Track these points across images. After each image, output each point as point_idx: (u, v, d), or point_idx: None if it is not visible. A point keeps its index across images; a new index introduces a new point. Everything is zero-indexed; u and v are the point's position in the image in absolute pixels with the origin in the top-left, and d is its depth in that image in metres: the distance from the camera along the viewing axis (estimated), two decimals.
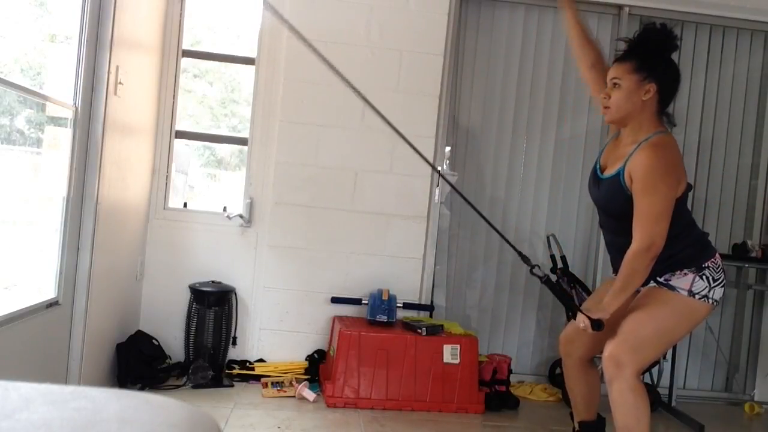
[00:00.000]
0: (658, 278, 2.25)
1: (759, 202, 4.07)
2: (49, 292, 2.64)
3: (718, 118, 4.07)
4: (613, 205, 2.27)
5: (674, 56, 2.31)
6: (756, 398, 3.98)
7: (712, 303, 2.21)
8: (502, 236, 2.31)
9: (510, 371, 3.53)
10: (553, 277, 2.31)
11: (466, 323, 3.86)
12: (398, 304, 3.55)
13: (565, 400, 3.54)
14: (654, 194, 2.12)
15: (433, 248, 3.83)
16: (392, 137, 2.21)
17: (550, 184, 4.00)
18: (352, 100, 2.13)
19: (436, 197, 3.80)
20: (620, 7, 3.91)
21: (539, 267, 2.25)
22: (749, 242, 3.84)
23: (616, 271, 2.46)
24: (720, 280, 2.23)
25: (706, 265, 2.22)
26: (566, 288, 3.41)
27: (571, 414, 2.59)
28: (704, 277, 2.20)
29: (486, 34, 3.95)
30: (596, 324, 2.11)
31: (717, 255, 2.27)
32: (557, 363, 3.89)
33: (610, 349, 2.14)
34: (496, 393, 3.41)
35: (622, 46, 2.30)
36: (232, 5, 3.94)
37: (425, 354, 3.27)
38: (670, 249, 2.18)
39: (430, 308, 3.78)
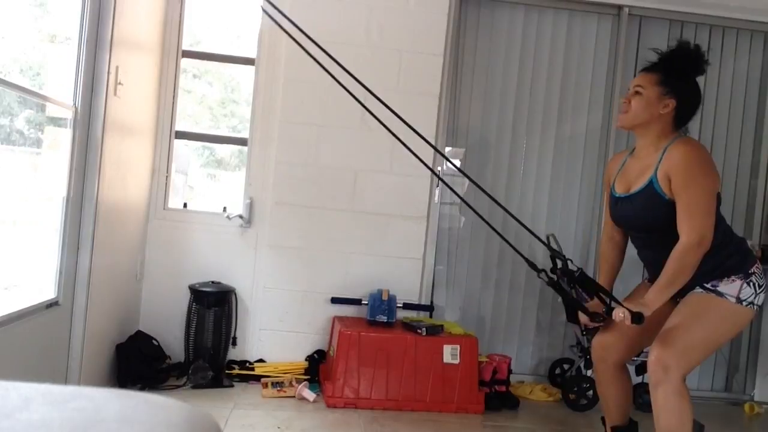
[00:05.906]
0: (705, 284, 2.24)
1: (759, 202, 4.06)
2: (49, 292, 2.64)
3: (718, 118, 4.07)
4: (650, 215, 2.24)
5: None
6: (756, 398, 3.98)
7: (756, 308, 2.23)
8: (516, 250, 2.33)
9: (510, 371, 3.53)
10: (554, 277, 2.33)
11: (466, 323, 3.86)
12: (398, 305, 3.55)
13: (566, 400, 3.55)
14: (698, 186, 2.13)
15: (433, 248, 3.83)
16: (392, 137, 2.21)
17: (550, 184, 4.00)
18: (352, 99, 2.12)
19: (436, 197, 3.81)
20: (620, 7, 3.91)
21: (545, 272, 2.26)
22: (749, 242, 3.83)
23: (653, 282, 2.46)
24: (764, 286, 2.24)
25: (752, 271, 2.24)
26: (566, 288, 3.41)
27: (603, 419, 2.56)
28: (751, 283, 2.21)
29: (486, 34, 3.95)
30: (636, 317, 2.06)
31: (757, 260, 2.29)
32: (557, 363, 3.89)
33: (656, 353, 2.13)
34: (496, 393, 3.41)
35: (653, 56, 2.33)
36: (232, 5, 3.94)
37: (425, 354, 3.27)
38: (716, 258, 2.20)
39: (430, 308, 3.78)
